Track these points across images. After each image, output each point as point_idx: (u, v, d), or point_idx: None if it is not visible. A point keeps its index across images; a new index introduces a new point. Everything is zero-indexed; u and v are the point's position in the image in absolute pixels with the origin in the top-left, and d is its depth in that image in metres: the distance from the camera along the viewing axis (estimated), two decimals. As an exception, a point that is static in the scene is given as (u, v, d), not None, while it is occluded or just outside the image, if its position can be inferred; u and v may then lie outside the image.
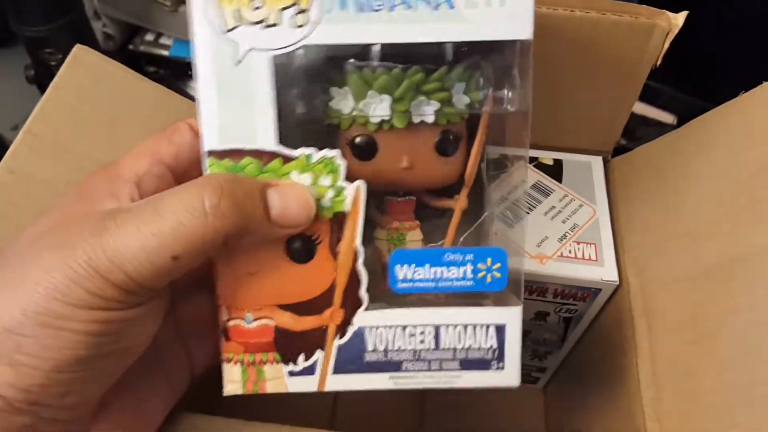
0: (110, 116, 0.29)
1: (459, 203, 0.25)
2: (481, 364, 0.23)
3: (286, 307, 0.22)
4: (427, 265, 0.22)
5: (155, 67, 0.56)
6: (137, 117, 0.30)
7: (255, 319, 0.22)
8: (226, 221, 0.18)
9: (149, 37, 0.57)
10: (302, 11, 0.19)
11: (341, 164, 0.21)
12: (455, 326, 0.22)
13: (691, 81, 0.34)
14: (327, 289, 0.22)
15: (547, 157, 0.34)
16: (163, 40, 0.57)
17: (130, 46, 0.56)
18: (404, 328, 0.22)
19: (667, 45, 0.29)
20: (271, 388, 0.22)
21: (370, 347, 0.22)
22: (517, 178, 0.24)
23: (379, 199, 0.25)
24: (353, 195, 0.21)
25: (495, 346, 0.23)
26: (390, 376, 0.23)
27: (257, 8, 0.19)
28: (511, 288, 0.22)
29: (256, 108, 0.20)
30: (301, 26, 0.19)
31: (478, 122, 0.24)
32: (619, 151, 0.35)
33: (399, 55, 0.21)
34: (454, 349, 0.23)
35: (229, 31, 0.19)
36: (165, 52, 0.56)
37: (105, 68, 0.29)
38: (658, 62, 0.30)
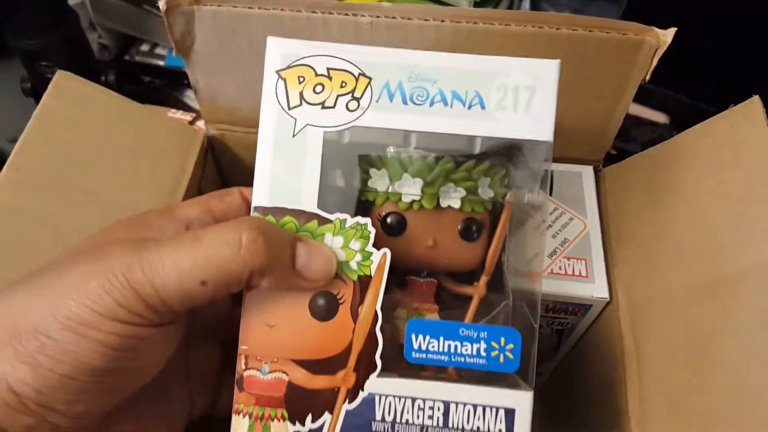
0: (96, 143, 0.29)
1: (478, 290, 0.26)
2: (488, 449, 0.22)
3: (301, 363, 0.23)
4: (442, 338, 0.23)
5: (151, 77, 0.57)
6: (124, 142, 0.30)
7: (270, 371, 0.22)
8: (255, 258, 0.20)
9: (144, 47, 0.57)
10: (355, 98, 0.23)
11: (371, 231, 0.23)
12: (465, 405, 0.23)
13: (683, 81, 0.33)
14: (343, 349, 0.23)
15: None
16: (159, 50, 0.57)
17: (126, 57, 0.57)
18: (414, 400, 0.23)
19: (655, 61, 0.30)
20: (274, 446, 0.22)
21: (378, 416, 0.22)
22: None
23: (402, 278, 0.26)
24: (379, 261, 0.23)
25: (503, 430, 0.22)
26: (395, 450, 0.22)
27: (318, 92, 0.23)
28: (522, 371, 0.23)
29: (304, 174, 0.23)
30: (352, 111, 0.23)
31: (501, 214, 0.26)
32: (614, 152, 0.35)
33: (434, 147, 0.24)
34: (462, 430, 0.22)
35: (292, 108, 0.23)
36: (160, 62, 0.56)
37: (88, 94, 0.29)
38: (647, 78, 0.31)
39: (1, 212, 0.26)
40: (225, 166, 0.35)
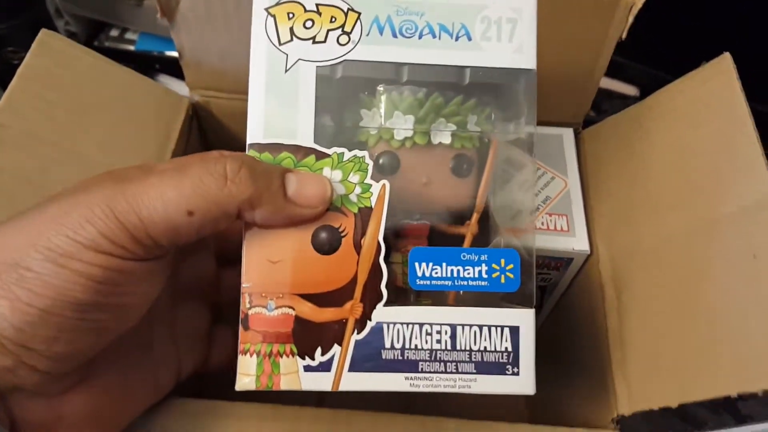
0: (80, 104, 0.28)
1: (470, 228, 0.26)
2: (496, 368, 0.23)
3: (307, 297, 0.22)
4: (444, 264, 0.23)
5: (122, 63, 0.54)
6: (108, 103, 0.30)
7: (276, 307, 0.22)
8: (242, 188, 0.20)
9: (114, 32, 0.56)
10: (346, 33, 0.23)
11: (369, 164, 0.23)
12: (471, 326, 0.23)
13: (652, 54, 0.34)
14: (348, 281, 0.23)
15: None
16: (129, 35, 0.55)
17: (95, 43, 0.56)
18: (421, 326, 0.23)
19: (631, 19, 0.30)
20: (284, 384, 0.22)
21: (387, 344, 0.22)
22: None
23: (395, 222, 0.27)
24: (378, 192, 0.23)
25: (510, 348, 0.23)
26: (406, 377, 0.22)
27: (308, 27, 0.23)
28: (523, 290, 0.23)
29: (299, 110, 0.23)
30: (343, 45, 0.23)
31: (488, 151, 0.26)
32: (588, 123, 0.36)
33: (423, 82, 0.25)
34: (470, 351, 0.23)
35: (282, 44, 0.23)
36: (131, 47, 0.54)
37: (72, 54, 0.29)
38: (623, 35, 0.32)
39: None
40: (210, 134, 0.35)
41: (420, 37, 0.23)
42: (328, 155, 0.23)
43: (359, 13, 0.23)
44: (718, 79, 0.28)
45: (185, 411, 0.24)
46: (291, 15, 0.23)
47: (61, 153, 0.27)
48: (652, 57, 0.34)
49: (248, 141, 0.23)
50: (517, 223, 0.30)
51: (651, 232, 0.29)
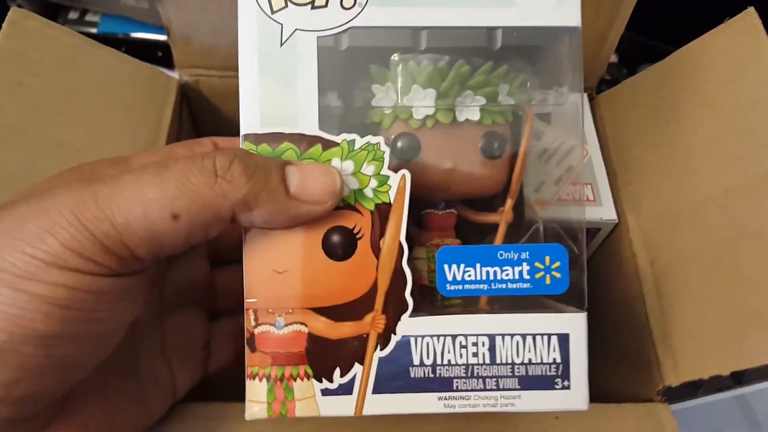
0: (64, 90, 0.26)
1: (505, 216, 0.23)
2: (544, 382, 0.20)
3: (321, 311, 0.19)
4: (479, 265, 0.20)
5: None
6: (94, 88, 0.27)
7: (286, 324, 0.19)
8: (235, 186, 0.17)
9: (73, 15, 0.51)
10: (350, -6, 0.19)
11: (385, 151, 0.20)
12: (512, 336, 0.20)
13: (631, 18, 0.32)
14: (367, 291, 0.19)
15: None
16: (90, 17, 0.51)
17: None
18: (455, 338, 0.20)
19: None
20: (300, 411, 0.19)
21: (416, 361, 0.19)
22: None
23: (417, 212, 0.23)
24: (398, 185, 0.20)
25: (558, 360, 0.20)
26: (439, 396, 0.20)
27: (305, -10, 0.19)
28: (572, 291, 0.20)
29: (299, 90, 0.19)
30: (348, 8, 0.19)
31: (523, 125, 0.23)
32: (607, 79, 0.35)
33: (444, 49, 0.21)
34: (513, 364, 0.20)
35: (276, 12, 0.19)
36: (93, 30, 0.50)
37: (50, 34, 0.26)
38: None
39: None
40: (199, 117, 0.32)
41: (440, -7, 0.19)
42: (337, 143, 0.19)
43: (362, -33, 0.19)
44: (744, 33, 0.27)
45: (193, 416, 0.22)
46: (283, -25, 0.19)
47: (48, 144, 0.24)
48: (633, 22, 0.32)
49: (242, 131, 0.19)
50: (542, 194, 0.28)
51: (683, 196, 0.28)
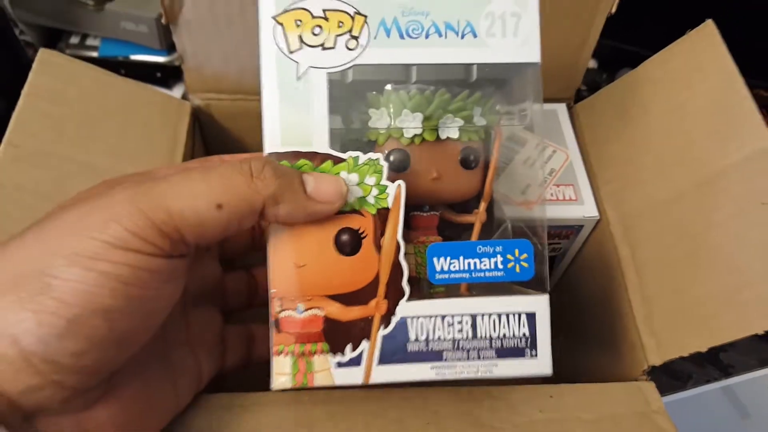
0: (87, 116, 0.29)
1: (479, 216, 0.27)
2: (516, 352, 0.24)
3: (334, 297, 0.23)
4: (461, 257, 0.24)
5: None
6: (113, 114, 0.30)
7: (306, 309, 0.23)
8: (267, 184, 0.21)
9: (74, 39, 0.53)
10: (354, 37, 0.23)
11: (384, 165, 0.24)
12: (490, 315, 0.24)
13: (608, 25, 0.35)
14: (372, 280, 0.24)
15: (518, 109, 0.37)
16: (90, 41, 0.53)
17: None
18: (443, 317, 0.24)
19: None
20: (319, 380, 0.23)
21: (412, 337, 0.24)
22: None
23: (405, 214, 0.27)
24: (395, 193, 0.24)
25: (527, 334, 0.24)
26: (431, 366, 0.24)
27: (317, 34, 0.23)
28: (537, 278, 0.25)
29: (313, 116, 0.23)
30: (352, 49, 0.23)
31: (492, 143, 0.27)
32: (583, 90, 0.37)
33: (430, 81, 0.25)
34: (491, 338, 0.24)
35: (293, 52, 0.23)
36: (94, 54, 0.53)
37: (73, 69, 0.29)
38: (613, 9, 0.33)
39: (5, 188, 0.26)
40: (209, 139, 0.35)
41: (427, 36, 0.24)
42: (344, 159, 0.24)
43: (366, 17, 0.23)
44: (705, 43, 0.29)
45: (221, 406, 0.25)
46: (299, 22, 0.23)
47: (74, 165, 0.27)
48: (610, 29, 0.35)
49: (266, 150, 0.23)
50: (528, 196, 0.32)
51: (658, 190, 0.30)
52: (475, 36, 0.24)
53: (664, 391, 0.28)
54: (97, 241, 0.18)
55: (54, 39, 0.53)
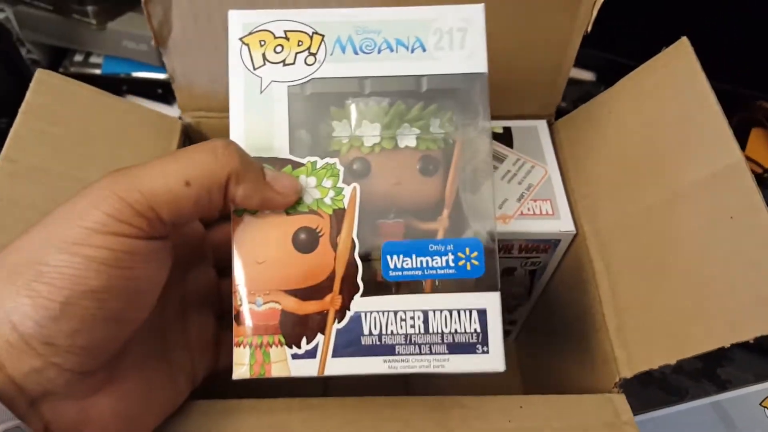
0: (82, 135, 0.30)
1: (442, 222, 0.29)
2: (467, 348, 0.25)
3: (291, 293, 0.25)
4: (414, 255, 0.26)
5: None
6: (108, 133, 0.32)
7: (264, 303, 0.25)
8: (231, 160, 0.22)
9: (78, 57, 0.55)
10: (312, 54, 0.26)
11: (340, 169, 0.26)
12: (441, 311, 0.25)
13: (606, 39, 0.36)
14: (327, 276, 0.25)
15: (498, 126, 0.38)
16: (94, 59, 0.55)
17: (60, 70, 0.56)
18: (396, 313, 0.25)
19: (595, 12, 0.33)
20: (275, 371, 0.24)
21: (365, 331, 0.25)
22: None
23: (372, 222, 0.29)
24: (350, 194, 0.26)
25: (478, 330, 0.25)
26: (384, 359, 0.25)
27: (278, 52, 0.26)
28: (488, 276, 0.26)
29: (274, 126, 0.25)
30: (310, 65, 0.26)
31: (453, 151, 0.29)
32: (563, 107, 0.38)
33: (385, 92, 0.27)
34: (442, 333, 0.25)
35: (257, 68, 0.26)
36: (97, 71, 0.54)
37: (70, 89, 0.31)
38: (589, 29, 0.34)
39: (1, 201, 0.27)
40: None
41: (379, 52, 0.26)
42: (303, 164, 0.26)
43: (323, 36, 0.26)
44: (679, 60, 0.30)
45: (210, 411, 0.26)
46: (263, 42, 0.26)
47: (69, 182, 0.29)
48: (607, 43, 0.36)
49: None
50: (505, 210, 0.33)
51: (631, 205, 0.31)
52: (424, 50, 0.26)
53: (658, 405, 0.28)
54: (81, 228, 0.20)
55: (59, 57, 0.56)
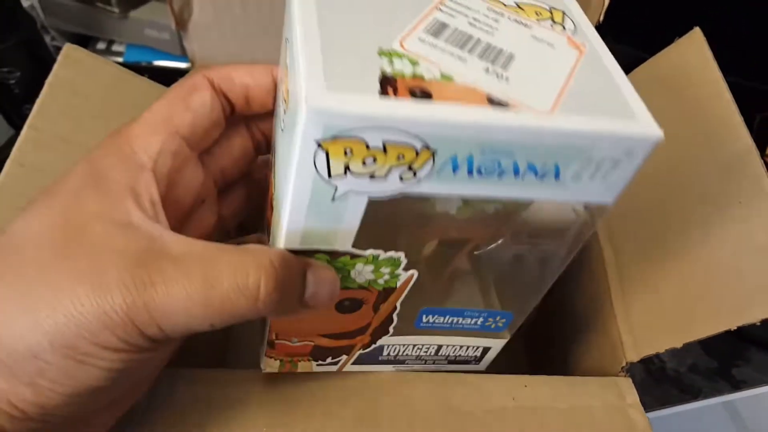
0: (104, 109, 0.32)
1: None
2: (463, 362, 0.30)
3: (326, 335, 0.26)
4: (448, 315, 0.26)
5: None
6: (128, 108, 0.30)
7: (299, 341, 0.26)
8: (267, 305, 0.19)
9: (101, 45, 0.58)
10: (412, 170, 0.18)
11: (404, 262, 0.23)
12: (453, 345, 0.28)
13: (625, 32, 0.36)
14: (363, 326, 0.26)
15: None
16: (116, 47, 0.57)
17: None
18: (414, 345, 0.28)
19: (607, 1, 0.32)
20: (300, 369, 0.28)
21: (384, 354, 0.28)
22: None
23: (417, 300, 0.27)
24: (405, 279, 0.24)
25: (478, 356, 0.29)
26: (394, 366, 0.29)
27: (367, 164, 0.18)
28: (507, 332, 0.28)
29: (341, 228, 0.20)
30: (406, 180, 0.18)
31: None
32: None
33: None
34: (447, 356, 0.29)
35: (333, 177, 0.18)
36: (119, 59, 0.56)
37: (95, 65, 0.32)
38: (601, 18, 0.33)
39: (27, 169, 0.28)
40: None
41: (499, 176, 0.19)
42: (364, 256, 0.22)
43: (434, 152, 0.18)
44: (692, 51, 0.31)
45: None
46: (349, 151, 0.17)
47: (88, 151, 0.24)
48: (623, 34, 0.34)
49: (281, 244, 0.21)
50: None
51: (641, 192, 0.31)
52: (557, 178, 0.19)
53: (672, 402, 0.28)
54: (90, 342, 0.18)
55: (82, 44, 0.54)
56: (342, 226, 0.20)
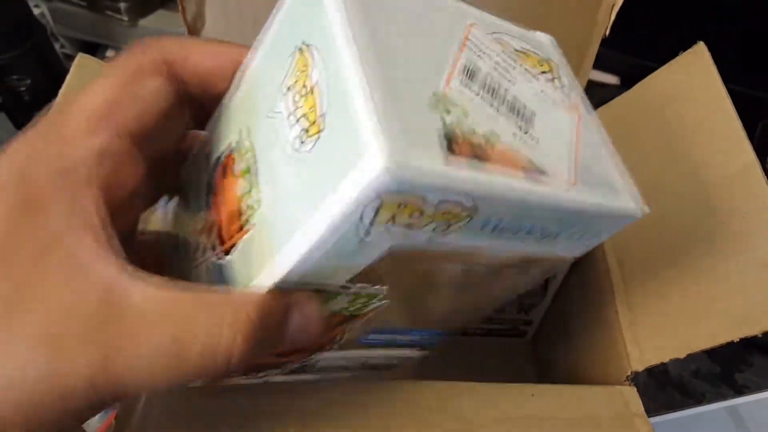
0: None
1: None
2: (383, 369, 0.30)
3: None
4: (394, 334, 0.27)
5: None
6: None
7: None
8: (241, 365, 0.18)
9: (110, 53, 0.59)
10: (448, 225, 0.17)
11: (384, 302, 0.22)
12: (380, 356, 0.29)
13: (631, 42, 0.37)
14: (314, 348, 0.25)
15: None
16: None
17: None
18: (345, 357, 0.27)
19: (613, 16, 0.33)
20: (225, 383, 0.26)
21: (315, 367, 0.27)
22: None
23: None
24: (376, 307, 0.23)
25: (399, 364, 0.30)
26: (313, 375, 0.28)
27: (413, 218, 0.17)
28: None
29: (347, 268, 0.19)
30: (434, 231, 0.18)
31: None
32: None
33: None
34: (372, 365, 0.29)
35: (373, 224, 0.16)
36: None
37: None
38: (607, 32, 0.34)
39: None
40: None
41: (515, 232, 0.19)
42: (352, 291, 0.21)
43: (477, 212, 0.17)
44: (696, 65, 0.31)
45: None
46: (402, 206, 0.16)
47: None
48: (632, 45, 0.35)
49: (276, 282, 0.18)
50: None
51: (646, 202, 0.33)
52: (555, 238, 0.21)
53: (676, 407, 0.28)
54: (46, 409, 0.16)
55: (91, 52, 0.59)
56: (350, 266, 0.18)
